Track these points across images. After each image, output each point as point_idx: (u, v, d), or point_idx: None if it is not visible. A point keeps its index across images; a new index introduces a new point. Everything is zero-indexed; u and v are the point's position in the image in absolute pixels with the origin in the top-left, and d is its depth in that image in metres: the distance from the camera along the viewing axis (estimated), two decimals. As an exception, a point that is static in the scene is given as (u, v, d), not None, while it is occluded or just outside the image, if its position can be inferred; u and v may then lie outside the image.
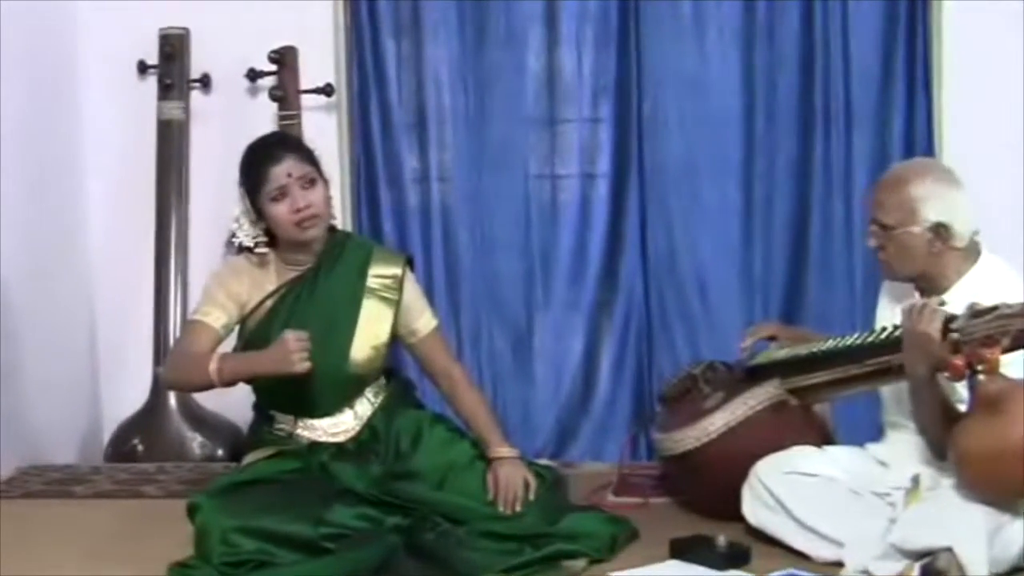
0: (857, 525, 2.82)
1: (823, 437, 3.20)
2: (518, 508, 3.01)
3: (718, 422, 3.19)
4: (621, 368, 4.21)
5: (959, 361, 2.60)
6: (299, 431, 3.13)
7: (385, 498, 2.99)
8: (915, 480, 2.84)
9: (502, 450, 3.12)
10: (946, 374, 2.68)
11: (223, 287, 3.09)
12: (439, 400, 3.38)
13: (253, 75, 4.18)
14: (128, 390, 4.23)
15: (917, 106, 4.02)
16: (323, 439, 3.12)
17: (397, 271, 3.18)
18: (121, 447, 4.10)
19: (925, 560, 2.59)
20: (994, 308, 2.62)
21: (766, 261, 4.14)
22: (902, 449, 2.97)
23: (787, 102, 4.10)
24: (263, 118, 4.12)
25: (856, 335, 3.07)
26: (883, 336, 2.94)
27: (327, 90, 4.14)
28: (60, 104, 4.24)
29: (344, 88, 4.22)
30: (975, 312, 2.64)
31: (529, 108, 4.22)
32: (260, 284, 3.11)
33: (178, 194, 4.24)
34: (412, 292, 3.21)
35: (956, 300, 2.77)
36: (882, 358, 2.92)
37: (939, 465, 2.83)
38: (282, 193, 3.03)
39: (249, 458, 3.14)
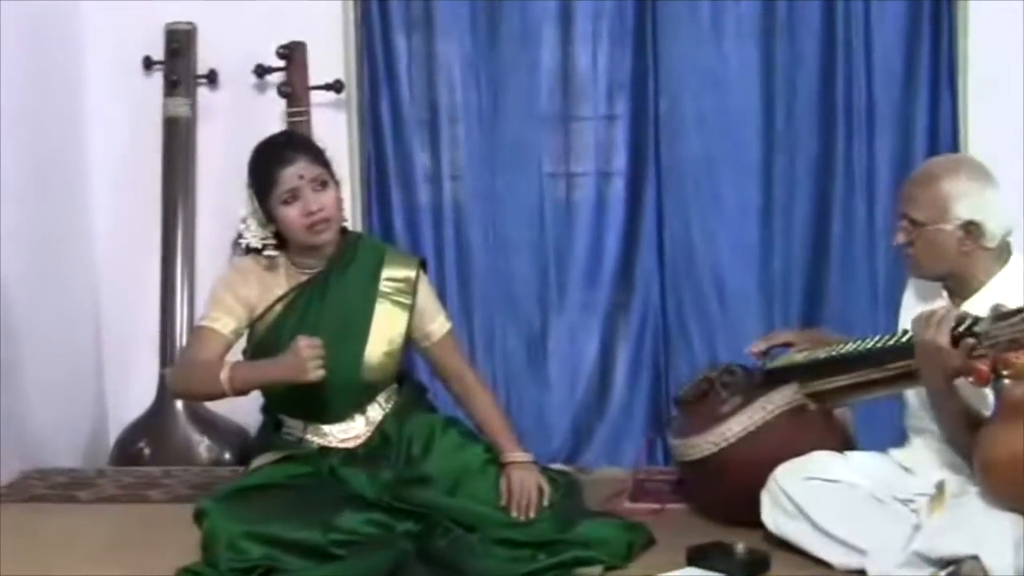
0: (880, 532, 2.81)
1: (844, 442, 3.19)
2: (531, 514, 3.01)
3: (736, 427, 3.19)
4: (637, 371, 4.22)
5: (983, 366, 2.59)
6: (309, 436, 3.14)
7: (396, 504, 3.00)
8: (940, 486, 2.83)
9: (515, 455, 3.12)
10: (970, 379, 2.67)
11: (231, 291, 3.09)
12: (451, 403, 3.38)
13: (261, 71, 4.19)
14: (134, 392, 4.25)
15: (941, 104, 4.02)
16: (333, 444, 3.13)
17: (411, 274, 3.18)
18: (127, 450, 4.12)
19: (950, 568, 2.58)
20: (1020, 310, 2.61)
21: (786, 262, 4.14)
22: (926, 454, 2.97)
23: (807, 99, 4.10)
24: (271, 115, 4.13)
25: (878, 338, 3.05)
26: (906, 339, 2.92)
27: (337, 86, 4.15)
28: (64, 101, 4.25)
29: (354, 84, 4.22)
30: (1000, 315, 2.63)
31: (543, 105, 4.23)
32: (269, 287, 3.11)
33: (184, 193, 4.25)
34: (426, 295, 3.21)
35: (985, 302, 2.76)
36: (905, 361, 2.90)
37: (964, 471, 2.82)
38: (293, 196, 3.02)
39: (257, 462, 3.14)
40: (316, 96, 4.12)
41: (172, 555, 2.96)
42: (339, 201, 3.11)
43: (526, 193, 4.24)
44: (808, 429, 3.16)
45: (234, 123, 4.22)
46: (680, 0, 4.10)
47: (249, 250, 3.12)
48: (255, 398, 3.20)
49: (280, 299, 3.10)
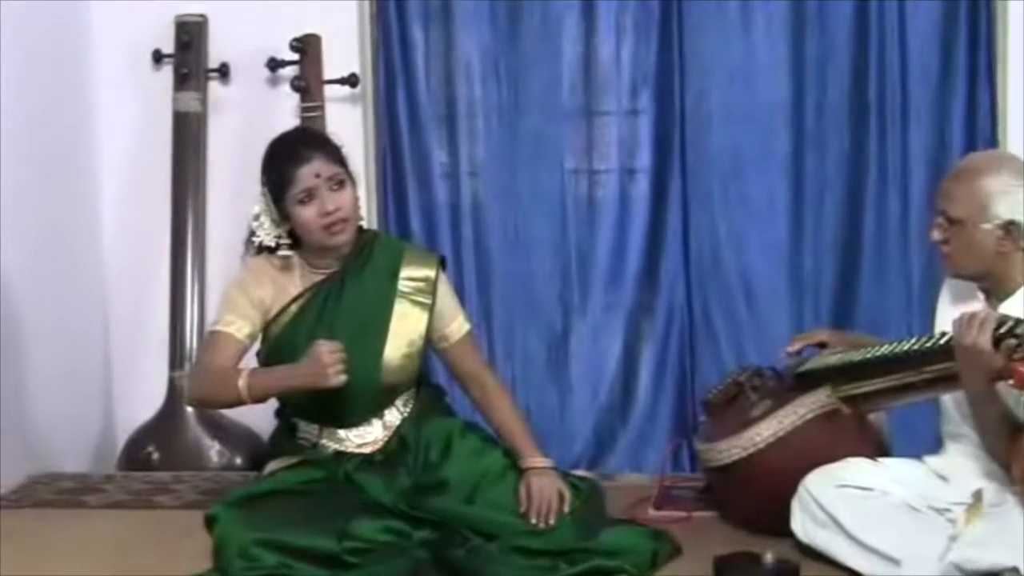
0: (915, 542, 2.79)
1: (878, 448, 3.18)
2: (552, 521, 3.00)
3: (765, 432, 3.17)
4: (662, 374, 4.21)
5: (1024, 368, 2.58)
6: (324, 440, 3.13)
7: (413, 511, 2.99)
8: (977, 495, 2.82)
9: (536, 460, 3.11)
10: (1010, 382, 2.65)
11: (244, 294, 3.08)
12: (470, 408, 3.37)
13: (274, 65, 4.19)
14: (143, 394, 4.25)
15: (979, 99, 4.00)
16: (349, 449, 3.12)
17: (430, 273, 3.17)
18: (135, 455, 4.12)
19: (988, 580, 2.57)
20: (1061, 312, 2.60)
21: (816, 261, 4.13)
22: (963, 462, 2.95)
23: (839, 94, 4.09)
24: (284, 110, 4.14)
25: (913, 339, 3.03)
26: (942, 341, 2.90)
27: (352, 80, 4.15)
28: (72, 95, 4.26)
29: (370, 78, 4.23)
30: (1042, 317, 2.62)
31: (565, 99, 4.22)
32: (283, 288, 3.10)
33: (195, 190, 4.25)
34: (445, 295, 3.21)
35: (1022, 304, 2.73)
36: (941, 365, 2.88)
37: (1003, 479, 2.80)
38: (309, 196, 3.02)
39: (270, 467, 3.15)
40: (331, 91, 4.12)
41: (182, 563, 2.96)
42: (356, 200, 3.10)
43: (547, 190, 4.23)
44: (840, 434, 3.15)
45: (246, 118, 4.23)
46: (707, -12, 4.10)
47: (262, 249, 3.12)
48: (268, 401, 3.19)
49: (295, 299, 3.09)
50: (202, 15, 4.25)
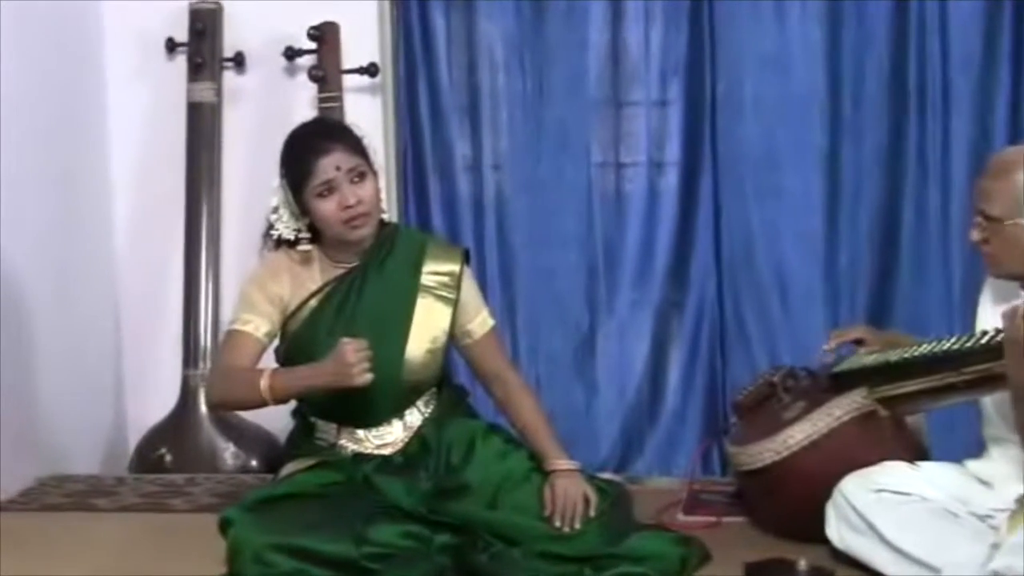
0: (955, 550, 2.78)
1: (916, 452, 3.16)
2: (577, 526, 2.99)
3: (799, 434, 3.16)
4: (692, 374, 4.21)
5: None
6: (342, 441, 3.13)
7: (433, 515, 2.99)
8: (1021, 501, 2.80)
9: (560, 463, 3.10)
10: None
11: (262, 290, 3.08)
12: (493, 410, 3.37)
13: (291, 53, 4.20)
14: (155, 394, 4.27)
15: (1023, 88, 3.97)
16: (369, 451, 3.12)
17: (455, 267, 3.17)
18: (148, 457, 4.14)
19: (1031, 590, 2.56)
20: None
21: (853, 257, 4.13)
22: (1005, 466, 2.94)
23: (877, 83, 4.08)
24: (302, 100, 4.15)
25: (954, 339, 3.02)
26: (984, 340, 2.89)
27: (371, 70, 4.15)
28: (84, 85, 4.28)
29: (390, 68, 4.24)
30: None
31: (591, 89, 4.22)
32: (302, 282, 3.10)
33: (209, 182, 4.27)
34: (470, 289, 3.20)
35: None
36: (983, 365, 2.87)
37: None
38: (330, 189, 3.01)
39: (287, 469, 3.14)
40: (349, 80, 4.13)
41: (195, 567, 2.97)
42: (378, 193, 3.09)
43: (573, 184, 4.23)
44: (877, 437, 3.13)
45: (262, 109, 4.24)
46: (739, -27, 4.09)
47: (281, 243, 3.12)
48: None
49: (314, 294, 3.09)
50: (217, 3, 4.27)
